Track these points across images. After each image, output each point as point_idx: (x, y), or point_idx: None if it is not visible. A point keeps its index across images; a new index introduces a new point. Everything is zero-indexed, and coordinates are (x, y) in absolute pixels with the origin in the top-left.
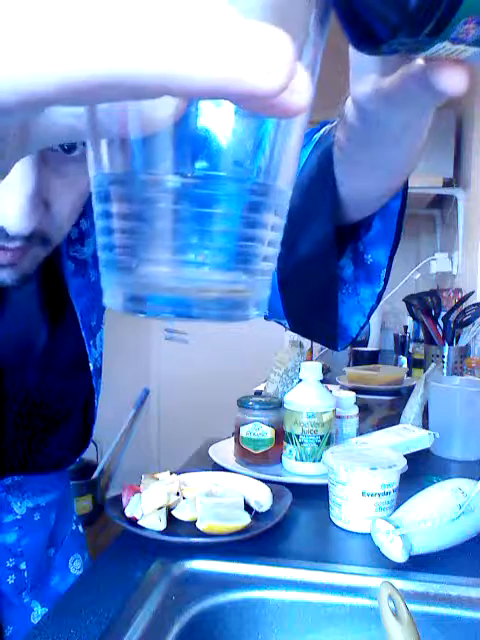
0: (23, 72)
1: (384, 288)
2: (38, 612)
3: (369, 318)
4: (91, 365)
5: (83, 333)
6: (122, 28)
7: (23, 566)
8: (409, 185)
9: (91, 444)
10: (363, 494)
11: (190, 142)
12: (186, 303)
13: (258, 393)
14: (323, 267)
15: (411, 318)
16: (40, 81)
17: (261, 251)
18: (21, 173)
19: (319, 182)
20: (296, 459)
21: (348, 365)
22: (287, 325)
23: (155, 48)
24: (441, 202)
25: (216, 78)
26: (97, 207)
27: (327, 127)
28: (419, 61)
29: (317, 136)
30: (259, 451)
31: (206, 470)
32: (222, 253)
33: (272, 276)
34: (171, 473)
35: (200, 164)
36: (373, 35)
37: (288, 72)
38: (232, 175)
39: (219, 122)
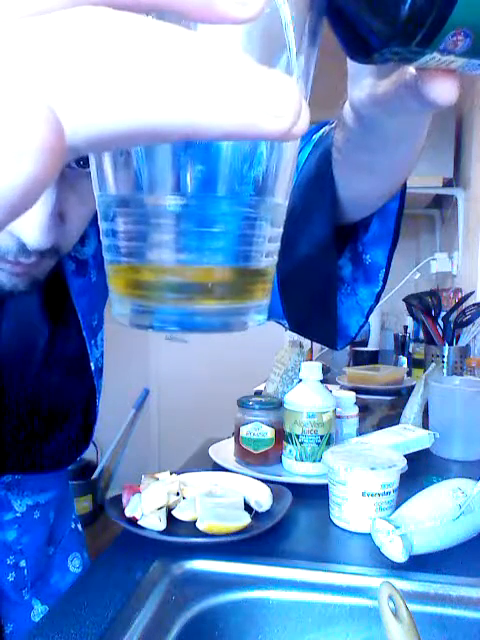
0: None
1: (383, 288)
2: (38, 610)
3: (368, 318)
4: (92, 365)
5: (84, 333)
6: (152, 84)
7: (23, 564)
8: (409, 185)
9: (91, 444)
10: (363, 494)
11: (190, 163)
12: (190, 313)
13: (258, 393)
14: (322, 267)
15: (411, 318)
16: (72, 136)
17: (261, 262)
18: None
19: (318, 183)
20: (296, 459)
21: (348, 365)
22: (286, 325)
23: (183, 102)
24: (441, 202)
25: (235, 125)
26: (102, 225)
27: (326, 128)
28: (411, 70)
29: (316, 136)
30: (259, 451)
31: (206, 470)
32: (223, 266)
33: (273, 282)
34: (171, 473)
35: (199, 185)
36: (365, 45)
37: (295, 114)
38: (231, 194)
39: (217, 144)
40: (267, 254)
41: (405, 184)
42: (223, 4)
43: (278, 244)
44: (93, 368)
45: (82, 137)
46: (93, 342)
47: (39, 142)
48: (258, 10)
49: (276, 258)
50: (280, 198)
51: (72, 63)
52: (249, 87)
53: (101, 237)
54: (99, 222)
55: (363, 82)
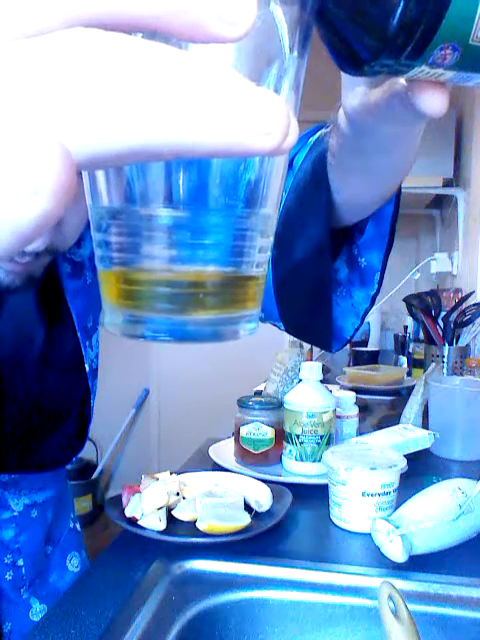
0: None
1: (378, 291)
2: (36, 609)
3: (363, 320)
4: (87, 366)
5: (79, 334)
6: (145, 105)
7: (21, 562)
8: (409, 185)
9: (90, 444)
10: (363, 494)
11: (182, 176)
12: (181, 323)
13: (258, 393)
14: (318, 270)
15: (411, 318)
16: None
17: (251, 272)
18: None
19: (314, 186)
20: (296, 459)
21: (348, 365)
22: (282, 327)
23: (174, 122)
24: (441, 202)
25: (226, 143)
26: (95, 236)
27: (322, 131)
28: (402, 80)
29: (313, 139)
30: (259, 451)
31: (206, 470)
32: (215, 276)
33: (263, 291)
34: (171, 473)
35: (191, 197)
36: (355, 57)
37: (284, 130)
38: (222, 206)
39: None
40: (257, 264)
41: (400, 188)
42: (213, 25)
43: (268, 254)
44: (87, 369)
45: (80, 159)
46: (87, 343)
47: (54, 180)
48: (248, 28)
49: (266, 268)
50: (271, 209)
51: (70, 87)
52: (239, 106)
53: (94, 247)
54: (92, 233)
55: (356, 89)
